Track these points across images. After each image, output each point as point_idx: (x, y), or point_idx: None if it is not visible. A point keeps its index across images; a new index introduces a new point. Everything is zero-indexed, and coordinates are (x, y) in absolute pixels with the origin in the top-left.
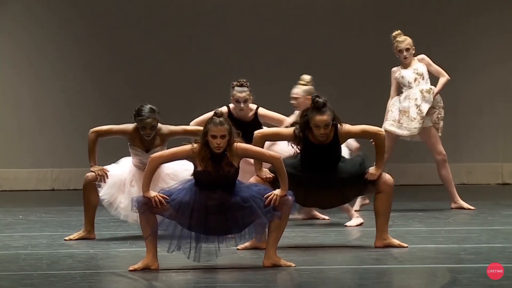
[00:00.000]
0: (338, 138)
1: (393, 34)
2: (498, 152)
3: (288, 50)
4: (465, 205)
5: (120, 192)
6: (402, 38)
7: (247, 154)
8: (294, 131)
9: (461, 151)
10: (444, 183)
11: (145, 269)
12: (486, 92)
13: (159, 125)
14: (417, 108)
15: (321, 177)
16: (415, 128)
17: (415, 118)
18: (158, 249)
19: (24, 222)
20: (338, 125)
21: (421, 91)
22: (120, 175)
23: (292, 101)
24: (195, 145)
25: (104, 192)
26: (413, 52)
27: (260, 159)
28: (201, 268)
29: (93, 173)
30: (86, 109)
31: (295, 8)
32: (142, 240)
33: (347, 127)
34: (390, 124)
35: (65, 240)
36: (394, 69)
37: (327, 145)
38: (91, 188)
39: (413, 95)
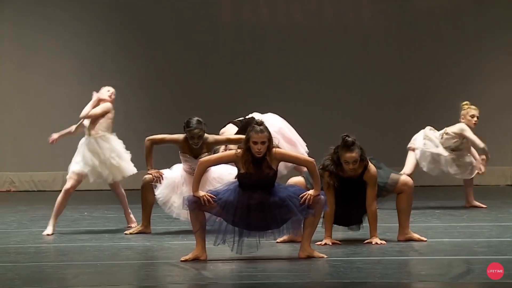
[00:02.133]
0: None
1: (463, 104)
2: (507, 156)
3: (326, 74)
4: (478, 204)
5: (173, 192)
6: (474, 106)
7: (284, 158)
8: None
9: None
10: (465, 184)
11: (195, 259)
12: (496, 103)
13: (206, 134)
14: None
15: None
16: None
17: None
18: (206, 242)
19: (89, 218)
20: (368, 166)
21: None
22: (174, 178)
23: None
24: (239, 150)
25: (159, 192)
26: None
27: (296, 162)
28: (244, 259)
29: (150, 175)
30: (142, 120)
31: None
32: (192, 234)
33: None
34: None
35: (125, 234)
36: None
37: (355, 179)
38: (148, 188)
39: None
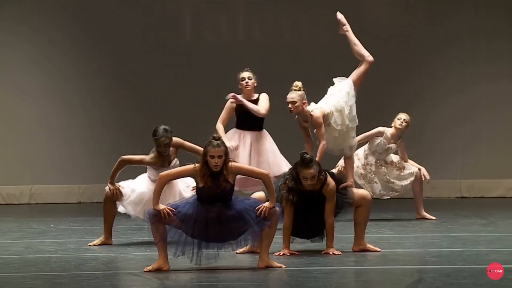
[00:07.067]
0: (322, 190)
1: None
2: (457, 169)
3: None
4: (428, 216)
5: (140, 205)
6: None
7: (240, 171)
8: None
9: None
10: (414, 196)
11: (158, 270)
12: (446, 119)
13: (175, 139)
14: None
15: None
16: None
17: None
18: (168, 253)
19: (55, 230)
20: (327, 181)
21: None
22: (143, 194)
23: (289, 106)
24: (197, 164)
25: (128, 209)
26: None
27: (251, 175)
28: (206, 269)
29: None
30: (107, 134)
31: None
32: (155, 245)
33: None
34: None
35: (89, 245)
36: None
37: (316, 193)
38: (110, 201)
39: None
